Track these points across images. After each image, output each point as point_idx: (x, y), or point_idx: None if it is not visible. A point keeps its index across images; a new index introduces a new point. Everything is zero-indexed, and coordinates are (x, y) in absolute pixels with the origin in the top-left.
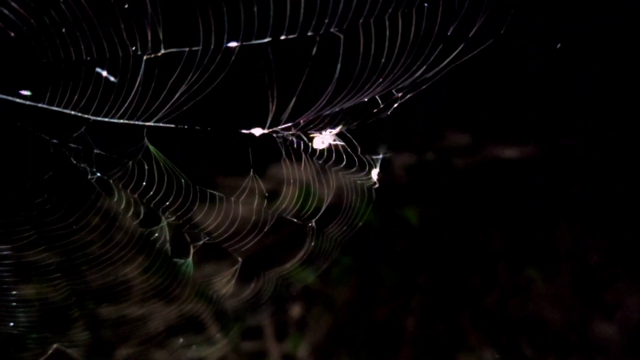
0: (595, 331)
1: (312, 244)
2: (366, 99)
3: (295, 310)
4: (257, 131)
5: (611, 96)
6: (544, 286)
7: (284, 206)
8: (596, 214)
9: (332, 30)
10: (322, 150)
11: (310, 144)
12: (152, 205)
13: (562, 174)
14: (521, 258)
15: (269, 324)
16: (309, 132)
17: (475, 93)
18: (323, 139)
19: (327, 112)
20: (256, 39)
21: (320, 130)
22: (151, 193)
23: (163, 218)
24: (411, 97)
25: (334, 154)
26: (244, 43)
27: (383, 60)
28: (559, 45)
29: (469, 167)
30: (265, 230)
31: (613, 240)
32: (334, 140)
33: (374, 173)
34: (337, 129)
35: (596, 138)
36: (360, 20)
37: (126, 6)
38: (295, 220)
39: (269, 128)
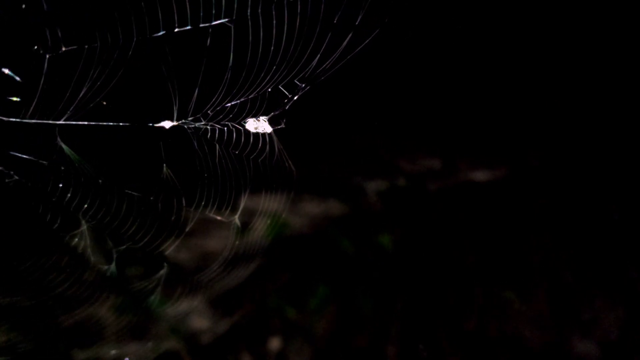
0: (573, 350)
1: (237, 242)
2: (269, 89)
3: (274, 343)
4: (167, 124)
5: (577, 112)
6: (520, 305)
7: (203, 203)
8: (567, 231)
9: (222, 21)
10: (237, 138)
11: (219, 132)
12: (71, 208)
13: (530, 193)
14: (497, 278)
15: (248, 358)
16: (221, 122)
17: (445, 115)
18: (257, 125)
19: (233, 102)
20: (150, 33)
21: (247, 117)
22: (69, 195)
23: (83, 222)
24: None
25: (250, 142)
26: (139, 38)
27: (272, 48)
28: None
29: (440, 190)
30: (186, 230)
31: (585, 257)
32: (264, 128)
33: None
34: (267, 116)
35: (563, 155)
36: (248, 11)
37: (23, 6)
38: (217, 217)
39: (177, 120)
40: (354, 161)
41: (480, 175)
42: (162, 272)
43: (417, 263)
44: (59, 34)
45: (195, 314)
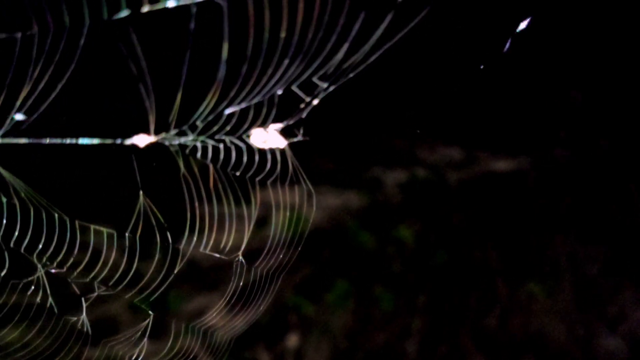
0: (600, 345)
1: (241, 283)
2: (280, 91)
3: (292, 340)
4: (141, 140)
5: (603, 105)
6: (545, 301)
7: (194, 238)
8: (592, 223)
9: None
10: (237, 156)
11: (219, 149)
12: (22, 250)
13: (556, 185)
14: (520, 273)
15: (266, 355)
16: (216, 136)
17: (466, 105)
18: (266, 138)
19: (231, 110)
20: (110, 15)
21: (252, 128)
22: (17, 234)
23: (39, 266)
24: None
25: (256, 161)
26: (93, 21)
27: (283, 35)
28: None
29: (462, 182)
30: (175, 272)
31: (612, 250)
32: (275, 142)
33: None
34: (282, 125)
35: (589, 146)
36: None
37: None
38: (216, 254)
39: (156, 134)
40: (372, 152)
41: (502, 165)
42: (148, 321)
43: (438, 257)
44: None
45: (211, 311)
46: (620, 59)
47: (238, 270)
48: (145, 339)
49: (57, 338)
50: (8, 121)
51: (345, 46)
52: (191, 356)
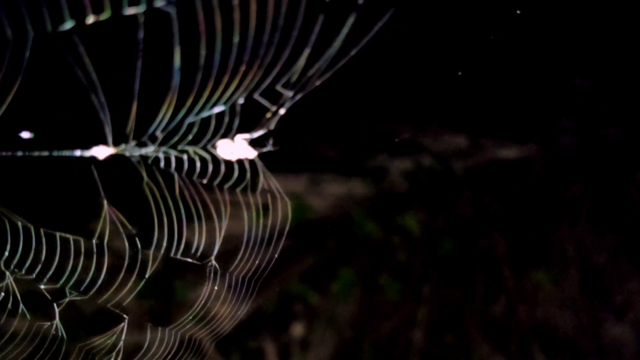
0: (606, 333)
1: (216, 287)
2: (241, 100)
3: (298, 330)
4: (101, 151)
5: (611, 92)
6: (551, 290)
7: (164, 244)
8: (599, 212)
9: (158, 4)
10: (202, 167)
11: (184, 160)
12: None
13: (562, 173)
14: (526, 262)
15: (272, 345)
16: (178, 146)
17: (471, 92)
18: (232, 149)
19: (191, 120)
20: (53, 26)
21: (216, 138)
22: None
23: (7, 273)
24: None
25: (221, 171)
26: (37, 33)
27: (237, 40)
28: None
29: (468, 170)
30: (147, 276)
31: (619, 239)
32: (243, 153)
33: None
34: (251, 135)
35: (596, 134)
36: None
37: None
38: (188, 259)
39: (115, 145)
40: (377, 140)
41: (508, 153)
42: (123, 324)
43: (444, 245)
44: None
45: (216, 300)
46: (628, 46)
47: (212, 274)
48: (121, 343)
49: (31, 343)
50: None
51: (307, 51)
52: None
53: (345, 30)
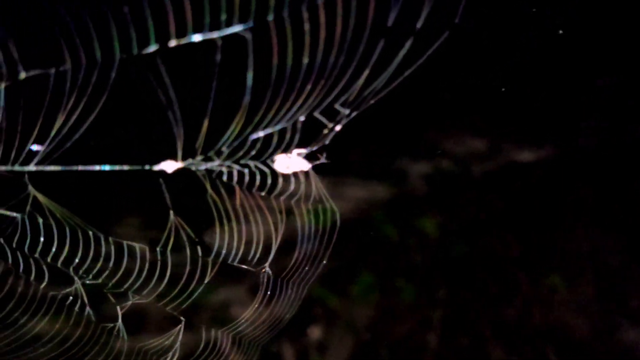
0: (621, 338)
1: (269, 292)
2: (302, 118)
3: (315, 333)
4: (170, 166)
5: (630, 94)
6: (566, 293)
7: (224, 251)
8: (615, 214)
9: (235, 30)
10: (262, 180)
11: (245, 174)
12: (59, 264)
13: (578, 175)
14: (541, 265)
15: (288, 348)
16: (241, 161)
17: (488, 94)
18: (288, 162)
19: (255, 136)
20: (139, 49)
21: (276, 153)
22: (54, 250)
23: (76, 278)
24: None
25: (279, 184)
26: (124, 55)
27: (305, 63)
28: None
29: (485, 173)
30: (206, 281)
31: (635, 242)
32: (298, 167)
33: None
34: (305, 150)
35: (614, 136)
36: (271, 16)
37: None
38: (243, 266)
39: (183, 160)
40: (397, 143)
41: (525, 156)
42: (180, 326)
43: (461, 249)
44: (15, 56)
45: (236, 303)
46: None
47: (265, 280)
48: (178, 344)
49: (95, 344)
50: (42, 150)
51: (366, 72)
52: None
53: (402, 53)
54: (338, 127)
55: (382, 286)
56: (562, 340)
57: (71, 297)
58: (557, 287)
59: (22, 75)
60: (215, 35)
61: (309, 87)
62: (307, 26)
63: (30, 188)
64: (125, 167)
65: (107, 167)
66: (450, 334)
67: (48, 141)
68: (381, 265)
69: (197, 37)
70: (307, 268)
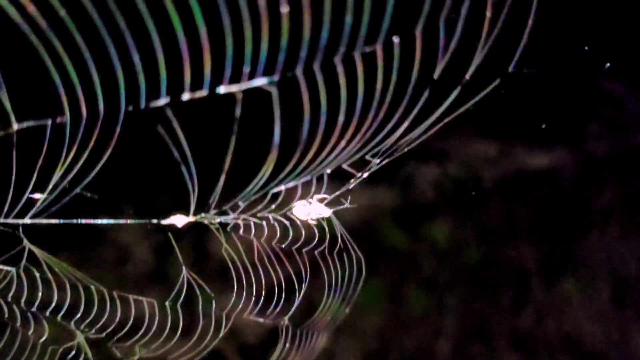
0: (637, 347)
1: (287, 345)
2: (329, 170)
3: (323, 340)
4: (180, 220)
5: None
6: (580, 301)
7: (240, 305)
8: (630, 220)
9: (258, 83)
10: (283, 232)
11: (263, 226)
12: (58, 318)
13: (592, 180)
14: (555, 272)
15: (293, 356)
16: (258, 214)
17: (500, 100)
18: (309, 209)
19: (277, 190)
20: (147, 101)
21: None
22: (53, 304)
23: (78, 333)
24: None
25: (301, 233)
26: (130, 108)
27: (341, 119)
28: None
29: (496, 178)
30: (220, 335)
31: None
32: (318, 213)
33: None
34: (328, 196)
35: (627, 140)
36: (300, 68)
37: None
38: (261, 319)
39: (195, 214)
40: (405, 148)
41: (537, 161)
42: None
43: (471, 255)
44: (8, 107)
45: (240, 312)
46: None
47: (284, 332)
48: None
49: None
50: (39, 201)
51: (405, 124)
52: None
53: (447, 103)
54: (366, 175)
55: (391, 294)
56: (575, 348)
57: (74, 352)
58: (571, 294)
59: (15, 127)
60: (235, 89)
61: (342, 142)
62: (342, 79)
63: (26, 242)
64: (129, 221)
65: (109, 221)
66: (462, 343)
67: (46, 193)
68: (390, 273)
69: (220, 89)
70: (329, 318)
